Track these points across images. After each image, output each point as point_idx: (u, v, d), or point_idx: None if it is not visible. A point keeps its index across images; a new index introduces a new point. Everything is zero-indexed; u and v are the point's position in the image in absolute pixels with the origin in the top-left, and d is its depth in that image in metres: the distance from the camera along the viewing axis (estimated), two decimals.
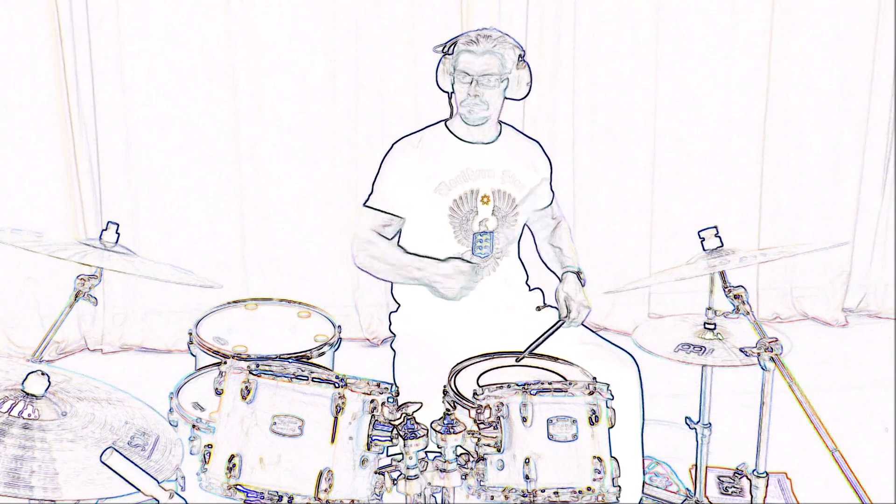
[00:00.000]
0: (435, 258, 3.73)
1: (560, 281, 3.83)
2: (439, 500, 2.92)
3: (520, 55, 3.76)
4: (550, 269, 3.96)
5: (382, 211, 3.77)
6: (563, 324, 3.66)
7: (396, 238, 3.82)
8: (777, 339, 3.36)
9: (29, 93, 5.21)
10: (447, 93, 3.82)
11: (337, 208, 5.56)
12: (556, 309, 3.80)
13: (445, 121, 3.85)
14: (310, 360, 3.58)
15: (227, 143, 5.45)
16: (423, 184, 3.75)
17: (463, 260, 3.70)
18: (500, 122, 3.85)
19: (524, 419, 2.93)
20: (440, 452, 2.91)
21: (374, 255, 3.76)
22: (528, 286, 3.92)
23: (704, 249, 3.64)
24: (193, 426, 3.26)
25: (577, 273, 3.84)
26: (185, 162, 5.44)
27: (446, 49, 3.76)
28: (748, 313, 3.44)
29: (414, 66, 5.40)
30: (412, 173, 3.75)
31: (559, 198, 5.56)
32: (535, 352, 3.51)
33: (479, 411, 2.95)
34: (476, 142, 3.80)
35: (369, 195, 3.80)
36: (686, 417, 3.95)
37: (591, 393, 2.98)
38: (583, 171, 5.70)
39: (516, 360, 3.45)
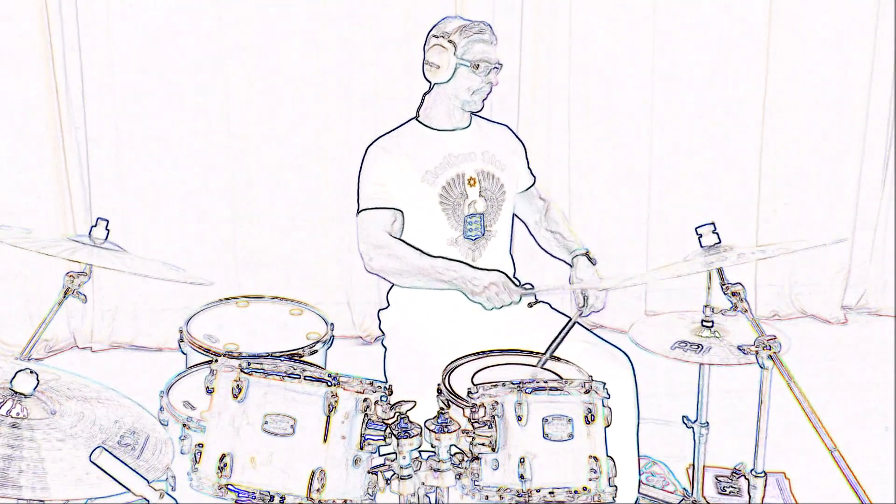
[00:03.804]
0: (464, 262, 3.71)
1: (571, 266, 3.84)
2: (433, 500, 2.90)
3: None
4: (555, 255, 3.98)
5: (383, 208, 3.74)
6: (580, 313, 3.62)
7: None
8: (775, 337, 3.35)
9: (17, 87, 5.19)
10: (437, 83, 3.81)
11: (329, 205, 5.54)
12: (548, 304, 3.78)
13: (414, 117, 3.88)
14: (302, 359, 3.57)
15: (218, 139, 5.43)
16: (409, 176, 3.75)
17: (509, 278, 3.67)
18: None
19: (519, 418, 2.90)
20: (434, 452, 2.88)
21: (394, 256, 3.71)
22: (518, 280, 3.89)
23: (702, 246, 3.63)
24: (184, 425, 3.24)
25: (587, 254, 3.85)
26: (176, 158, 5.42)
27: (449, 39, 3.75)
28: (746, 311, 3.43)
29: (407, 62, 5.38)
30: (396, 168, 3.76)
31: (556, 193, 5.59)
32: (530, 350, 3.48)
33: (473, 410, 2.93)
34: (452, 129, 3.83)
35: (359, 202, 3.77)
36: (683, 416, 3.93)
37: (587, 391, 2.96)
38: (579, 167, 5.69)
39: (538, 365, 3.39)
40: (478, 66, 3.73)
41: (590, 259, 3.85)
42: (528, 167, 4.02)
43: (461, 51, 3.74)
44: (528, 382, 2.97)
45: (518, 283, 3.84)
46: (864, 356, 5.52)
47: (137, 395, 2.73)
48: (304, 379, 2.85)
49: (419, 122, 3.86)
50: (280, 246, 5.60)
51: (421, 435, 2.86)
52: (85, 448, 2.39)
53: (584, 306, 3.72)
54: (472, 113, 3.88)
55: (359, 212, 3.76)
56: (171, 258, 4.04)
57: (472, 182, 3.78)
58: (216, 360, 2.92)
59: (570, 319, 3.60)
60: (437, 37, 3.79)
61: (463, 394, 3.10)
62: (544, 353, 3.41)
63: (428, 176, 3.75)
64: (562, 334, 3.48)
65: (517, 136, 4.01)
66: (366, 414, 2.85)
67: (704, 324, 3.70)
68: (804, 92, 5.78)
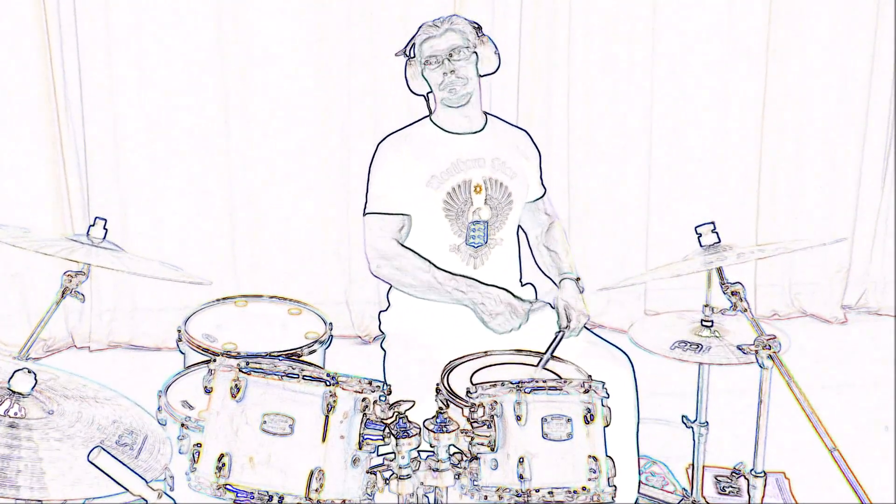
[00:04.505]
0: (474, 279, 3.67)
1: (558, 288, 3.78)
2: (432, 500, 2.89)
3: (477, 28, 3.77)
4: (546, 273, 3.91)
5: (392, 214, 3.70)
6: (563, 334, 3.59)
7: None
8: (775, 337, 3.34)
9: (15, 86, 5.19)
10: (423, 95, 3.80)
11: (328, 204, 5.54)
12: (551, 305, 3.76)
13: (428, 116, 3.82)
14: (300, 358, 3.56)
15: (216, 137, 5.43)
16: (414, 179, 3.70)
17: (514, 296, 3.64)
18: (485, 113, 3.83)
19: (518, 418, 2.89)
20: (433, 451, 2.88)
21: (401, 268, 3.68)
22: (521, 283, 3.88)
23: (701, 245, 3.62)
24: (182, 425, 3.23)
25: (576, 280, 3.78)
26: (175, 156, 5.41)
27: (409, 52, 3.78)
28: (746, 310, 3.42)
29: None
30: (405, 169, 3.71)
31: (555, 193, 5.57)
32: (530, 351, 3.47)
33: (472, 410, 2.92)
34: (464, 132, 3.77)
35: (367, 201, 3.74)
36: (683, 416, 3.92)
37: (586, 391, 2.95)
38: (578, 167, 5.68)
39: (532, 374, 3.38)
40: (430, 62, 3.70)
41: (577, 285, 3.77)
42: (541, 178, 3.95)
43: (418, 56, 3.74)
44: (528, 382, 2.96)
45: (521, 285, 3.83)
46: (864, 356, 5.52)
47: (135, 395, 2.72)
48: (303, 378, 2.84)
49: (433, 122, 3.80)
50: (279, 245, 5.59)
51: (420, 435, 2.85)
52: (83, 448, 2.38)
53: (565, 327, 3.65)
54: (489, 115, 3.83)
55: (366, 212, 3.74)
56: (169, 257, 4.04)
57: (478, 189, 3.73)
58: (214, 360, 2.91)
59: (559, 331, 3.58)
60: (401, 54, 3.81)
61: (462, 393, 3.09)
62: (538, 363, 3.40)
63: (433, 181, 3.69)
64: (552, 347, 3.46)
65: (534, 144, 3.93)
66: (364, 414, 2.85)
67: (704, 323, 3.69)
68: (804, 91, 5.77)
